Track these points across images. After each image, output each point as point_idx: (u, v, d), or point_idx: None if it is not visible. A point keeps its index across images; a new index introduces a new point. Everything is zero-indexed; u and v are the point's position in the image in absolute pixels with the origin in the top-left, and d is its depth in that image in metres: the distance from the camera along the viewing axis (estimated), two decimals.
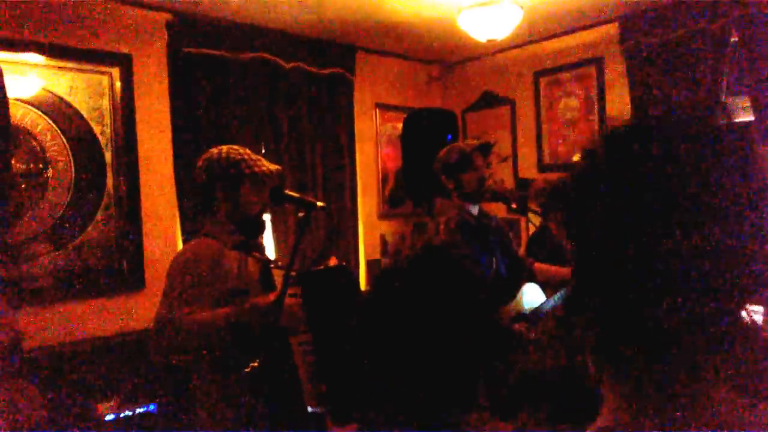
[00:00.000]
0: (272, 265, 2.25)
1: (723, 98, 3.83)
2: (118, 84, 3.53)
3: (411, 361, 1.03)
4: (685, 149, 0.49)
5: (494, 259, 2.86)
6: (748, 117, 3.82)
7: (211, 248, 2.06)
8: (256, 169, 2.13)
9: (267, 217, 2.46)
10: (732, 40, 3.72)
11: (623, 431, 0.50)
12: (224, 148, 2.21)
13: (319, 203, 1.99)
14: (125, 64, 3.56)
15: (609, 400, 0.54)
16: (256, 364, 1.65)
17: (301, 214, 1.96)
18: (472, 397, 1.06)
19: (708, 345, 0.47)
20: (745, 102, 3.77)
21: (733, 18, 3.64)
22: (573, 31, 4.53)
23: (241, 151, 2.21)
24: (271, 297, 2.00)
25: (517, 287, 2.84)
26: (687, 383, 0.48)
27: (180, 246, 3.67)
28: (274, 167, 2.21)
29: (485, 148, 2.95)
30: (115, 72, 3.53)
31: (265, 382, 1.74)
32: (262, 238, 2.32)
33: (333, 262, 2.52)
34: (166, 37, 3.75)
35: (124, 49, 3.58)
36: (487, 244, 2.87)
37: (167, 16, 3.74)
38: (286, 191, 2.08)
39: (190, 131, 3.83)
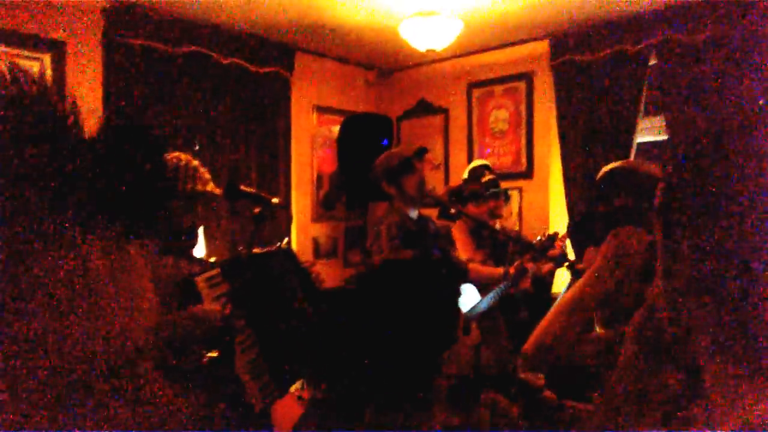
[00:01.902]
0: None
1: (640, 117, 4.12)
2: (49, 71, 3.39)
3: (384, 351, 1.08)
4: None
5: None
6: (663, 136, 4.14)
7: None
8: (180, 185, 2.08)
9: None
10: (651, 62, 4.03)
11: None
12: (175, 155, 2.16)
13: (275, 199, 2.00)
14: (57, 50, 3.43)
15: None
16: (215, 354, 1.64)
17: (256, 210, 1.96)
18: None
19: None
20: (661, 121, 4.08)
21: (652, 42, 3.94)
22: (506, 46, 4.73)
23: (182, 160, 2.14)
24: (211, 307, 1.95)
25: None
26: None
27: None
28: (207, 188, 2.14)
29: (421, 152, 3.04)
30: (47, 58, 3.39)
31: (223, 374, 1.73)
32: (191, 251, 2.24)
33: None
34: (101, 25, 3.63)
35: (57, 36, 3.44)
36: (426, 247, 2.96)
37: (103, 3, 3.62)
38: (241, 187, 2.08)
39: (123, 123, 3.71)
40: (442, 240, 3.19)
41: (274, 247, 2.19)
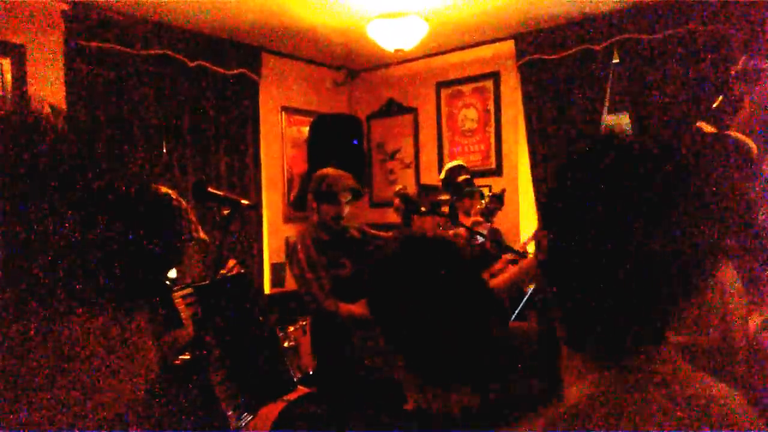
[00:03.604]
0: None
1: (605, 114, 4.21)
2: (9, 75, 3.31)
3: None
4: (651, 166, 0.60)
5: (346, 268, 2.91)
6: (627, 132, 4.23)
7: None
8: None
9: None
10: (614, 60, 4.11)
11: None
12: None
13: (244, 201, 1.99)
14: (17, 54, 3.35)
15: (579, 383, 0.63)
16: (187, 356, 1.63)
17: (225, 212, 1.95)
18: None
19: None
20: (625, 118, 4.16)
21: (615, 40, 4.02)
22: (473, 46, 4.78)
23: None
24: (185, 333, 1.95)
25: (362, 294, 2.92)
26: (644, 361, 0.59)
27: None
28: (201, 235, 2.10)
29: (357, 194, 2.99)
30: (6, 62, 3.32)
31: (195, 377, 1.72)
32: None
33: (231, 263, 2.50)
34: (62, 28, 3.56)
35: (16, 39, 3.37)
36: (340, 253, 2.92)
37: (64, 6, 3.56)
38: (210, 189, 2.06)
39: (87, 127, 3.65)
40: (366, 245, 3.06)
41: (233, 272, 2.22)
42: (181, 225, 2.04)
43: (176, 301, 2.06)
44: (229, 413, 1.97)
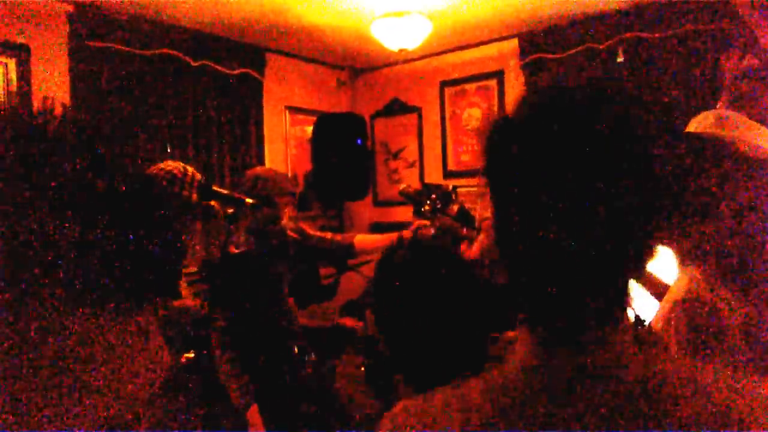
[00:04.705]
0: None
1: None
2: (13, 76, 3.32)
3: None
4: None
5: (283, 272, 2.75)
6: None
7: None
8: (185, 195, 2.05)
9: None
10: (618, 59, 4.09)
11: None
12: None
13: (248, 200, 1.99)
14: (21, 55, 3.36)
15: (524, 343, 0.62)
16: (191, 354, 1.63)
17: (230, 211, 1.95)
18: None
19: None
20: None
21: (619, 39, 4.01)
22: (477, 44, 4.77)
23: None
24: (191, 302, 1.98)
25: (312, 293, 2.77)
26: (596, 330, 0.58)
27: None
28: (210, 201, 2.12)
29: (298, 200, 2.85)
30: (11, 63, 3.32)
31: (198, 376, 1.73)
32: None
33: None
34: (66, 29, 3.57)
35: (21, 40, 3.37)
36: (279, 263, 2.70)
37: (68, 7, 3.56)
38: (214, 187, 2.07)
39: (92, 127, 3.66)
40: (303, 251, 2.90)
41: (249, 248, 2.21)
42: (192, 191, 2.02)
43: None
44: (234, 391, 1.95)
